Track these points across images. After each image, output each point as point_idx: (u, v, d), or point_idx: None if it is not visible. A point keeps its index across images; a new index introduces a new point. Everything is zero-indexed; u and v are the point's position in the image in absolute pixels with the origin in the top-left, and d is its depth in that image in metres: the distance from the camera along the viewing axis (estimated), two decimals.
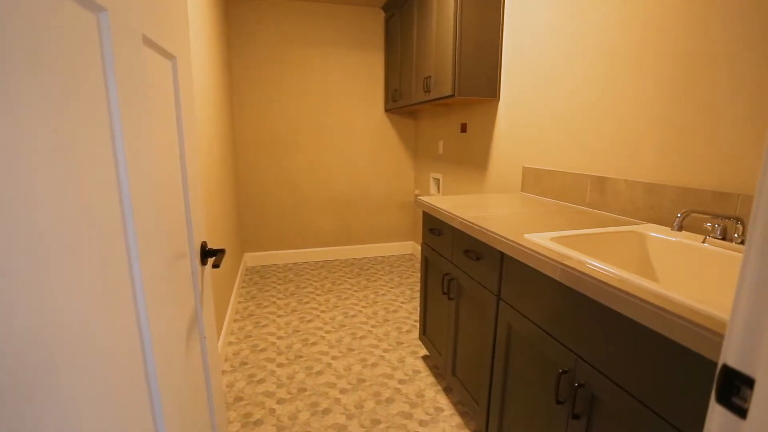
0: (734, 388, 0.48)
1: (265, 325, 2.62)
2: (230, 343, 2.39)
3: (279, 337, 2.46)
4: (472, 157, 2.85)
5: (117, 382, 0.55)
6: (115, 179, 0.57)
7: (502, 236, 1.28)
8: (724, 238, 1.14)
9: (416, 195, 4.14)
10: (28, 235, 0.38)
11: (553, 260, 1.04)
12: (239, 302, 2.99)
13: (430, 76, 2.67)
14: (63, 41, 0.45)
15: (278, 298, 3.07)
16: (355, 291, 3.22)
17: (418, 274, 3.61)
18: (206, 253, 1.05)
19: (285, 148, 3.80)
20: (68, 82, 0.46)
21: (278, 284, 3.37)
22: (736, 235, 1.10)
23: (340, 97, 3.85)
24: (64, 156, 0.44)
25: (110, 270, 0.54)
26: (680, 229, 1.09)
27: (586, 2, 1.73)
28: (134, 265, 0.62)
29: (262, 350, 2.32)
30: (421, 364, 2.18)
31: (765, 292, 0.44)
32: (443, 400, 1.89)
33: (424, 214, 2.05)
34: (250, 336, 2.48)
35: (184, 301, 0.89)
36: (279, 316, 2.75)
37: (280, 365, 2.17)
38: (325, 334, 2.50)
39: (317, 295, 3.14)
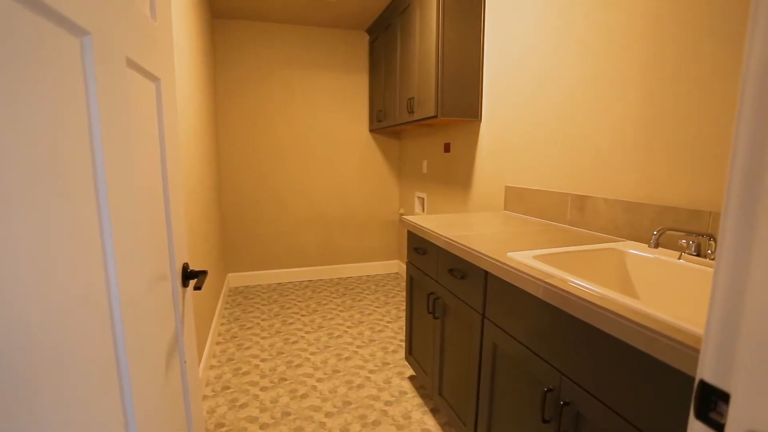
0: (712, 404, 0.49)
1: (249, 348, 2.56)
2: (212, 367, 2.33)
3: (262, 360, 2.41)
4: (455, 176, 2.89)
5: (91, 409, 0.53)
6: (94, 200, 0.56)
7: (485, 255, 1.29)
8: (698, 254, 1.17)
9: (401, 214, 4.16)
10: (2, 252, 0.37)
11: (536, 278, 1.05)
12: (222, 324, 2.93)
13: (413, 98, 2.72)
14: (44, 64, 0.45)
15: (262, 320, 3.01)
16: (341, 311, 3.18)
17: (404, 293, 3.60)
18: (188, 274, 1.03)
19: (270, 167, 3.79)
20: (49, 103, 0.46)
21: (262, 305, 3.32)
22: (709, 251, 1.14)
23: (325, 117, 3.88)
24: (43, 175, 0.44)
25: (86, 293, 0.53)
26: (657, 246, 1.12)
27: (566, 27, 1.81)
28: (112, 287, 0.60)
29: (245, 373, 2.26)
30: (407, 385, 2.15)
31: (735, 308, 0.45)
32: (430, 422, 1.86)
33: (409, 233, 2.06)
34: (233, 359, 2.42)
35: (164, 324, 0.87)
36: (263, 338, 2.70)
37: (263, 389, 2.11)
38: (309, 356, 2.46)
39: (302, 315, 3.09)
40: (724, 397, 0.47)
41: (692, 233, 1.12)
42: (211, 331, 2.47)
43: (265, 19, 3.54)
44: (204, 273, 1.05)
